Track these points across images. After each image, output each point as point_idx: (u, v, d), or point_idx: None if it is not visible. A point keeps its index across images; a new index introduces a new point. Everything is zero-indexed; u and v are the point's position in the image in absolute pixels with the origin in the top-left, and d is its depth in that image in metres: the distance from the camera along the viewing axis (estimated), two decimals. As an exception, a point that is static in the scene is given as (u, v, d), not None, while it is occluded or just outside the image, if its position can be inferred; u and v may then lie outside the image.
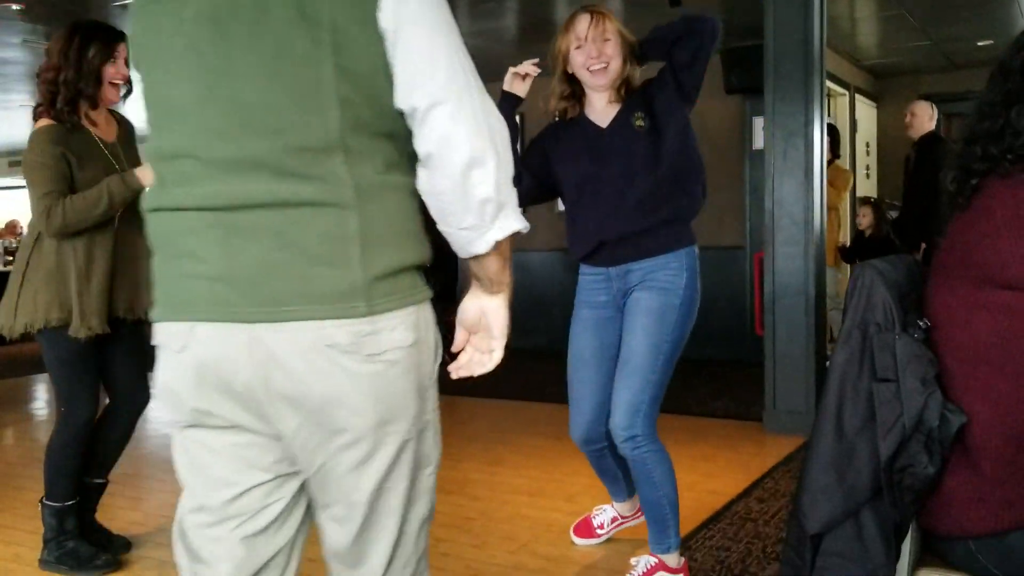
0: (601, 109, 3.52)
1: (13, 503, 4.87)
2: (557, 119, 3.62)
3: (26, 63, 8.96)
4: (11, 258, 11.34)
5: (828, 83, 8.08)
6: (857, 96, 10.60)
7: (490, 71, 2.41)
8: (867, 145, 11.26)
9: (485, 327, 1.90)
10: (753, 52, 7.14)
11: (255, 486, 1.81)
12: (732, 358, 8.89)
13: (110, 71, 3.82)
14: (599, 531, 4.06)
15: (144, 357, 4.02)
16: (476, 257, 1.81)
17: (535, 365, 8.08)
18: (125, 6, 7.32)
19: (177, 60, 1.69)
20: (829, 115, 9.26)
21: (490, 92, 1.81)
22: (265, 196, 1.64)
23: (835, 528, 1.99)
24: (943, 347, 1.94)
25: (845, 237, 8.83)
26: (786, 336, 5.99)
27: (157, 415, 1.59)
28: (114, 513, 4.49)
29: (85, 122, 3.79)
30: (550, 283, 8.51)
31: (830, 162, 7.03)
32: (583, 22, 3.44)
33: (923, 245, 6.37)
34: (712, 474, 5.11)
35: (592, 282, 3.56)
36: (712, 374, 8.34)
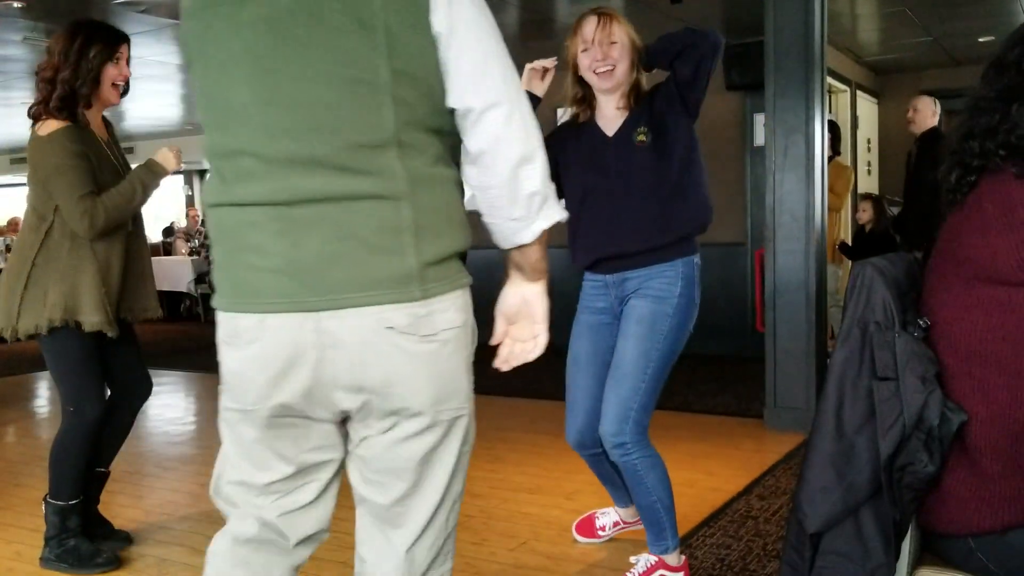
0: (610, 116, 3.49)
1: (14, 501, 4.87)
2: (569, 121, 3.60)
3: (27, 60, 8.96)
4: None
5: (829, 79, 8.07)
6: (858, 92, 10.60)
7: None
8: (868, 141, 11.25)
9: (527, 314, 2.02)
10: (754, 49, 7.14)
11: (298, 472, 1.96)
12: (733, 354, 8.88)
13: (111, 72, 3.82)
14: (600, 532, 4.06)
15: (139, 347, 4.09)
16: (520, 247, 1.95)
17: (536, 362, 8.07)
18: (126, 4, 7.32)
19: (235, 63, 1.79)
20: (830, 111, 9.26)
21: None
22: (324, 191, 1.75)
23: (835, 527, 1.99)
24: (941, 345, 1.94)
25: (846, 234, 8.83)
26: (787, 333, 5.98)
27: (224, 403, 1.66)
28: (115, 511, 4.49)
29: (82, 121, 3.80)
30: (551, 280, 8.48)
31: (830, 158, 7.02)
32: (590, 24, 3.41)
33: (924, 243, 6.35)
34: (712, 471, 5.10)
35: (592, 288, 3.57)
36: (713, 370, 8.34)
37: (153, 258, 14.23)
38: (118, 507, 4.63)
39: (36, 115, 3.78)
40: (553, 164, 3.49)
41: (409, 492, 1.93)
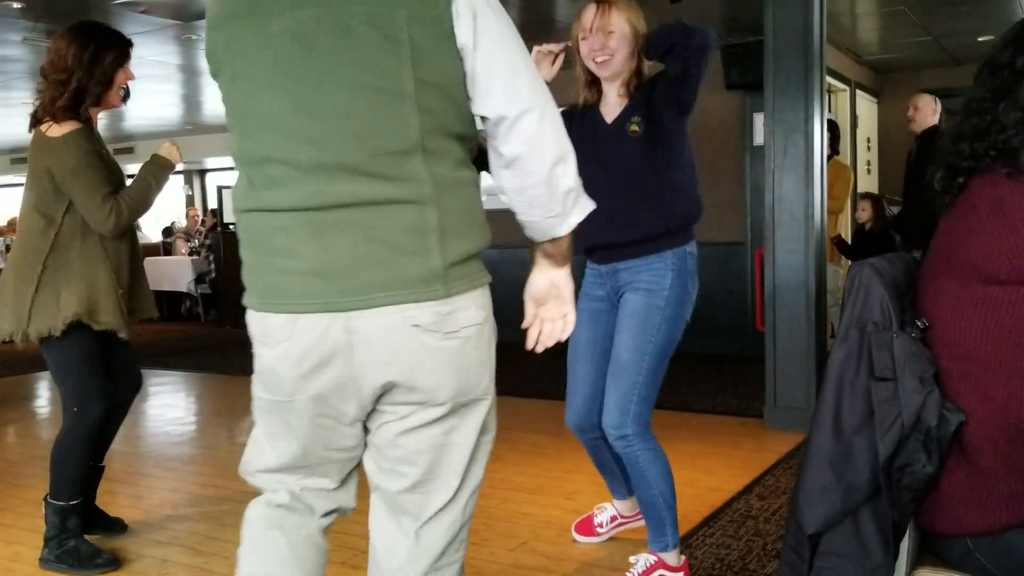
0: (612, 103, 3.51)
1: (14, 501, 4.87)
2: (577, 104, 3.62)
3: (27, 61, 8.96)
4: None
5: (829, 79, 8.07)
6: (858, 92, 10.59)
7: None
8: (868, 141, 11.25)
9: (556, 296, 2.15)
10: (753, 48, 7.15)
11: (319, 463, 2.07)
12: (733, 354, 8.88)
13: (121, 76, 3.87)
14: (599, 529, 4.06)
15: (127, 341, 4.10)
16: (554, 239, 2.09)
17: (535, 361, 8.07)
18: (126, 4, 7.32)
19: (265, 73, 1.88)
20: (830, 111, 9.25)
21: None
22: (352, 196, 1.84)
23: (833, 528, 1.99)
24: (938, 345, 1.94)
25: (846, 234, 8.82)
26: (787, 332, 5.98)
27: (256, 392, 1.75)
28: (115, 511, 4.49)
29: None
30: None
31: (829, 157, 7.02)
32: (589, 12, 3.43)
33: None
34: (712, 471, 5.10)
35: (591, 276, 3.60)
36: (713, 370, 8.34)
37: (153, 258, 14.26)
38: (118, 507, 4.63)
39: (41, 118, 3.79)
40: None
41: (424, 479, 2.01)
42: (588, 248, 3.48)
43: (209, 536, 4.27)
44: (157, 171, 3.95)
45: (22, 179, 4.00)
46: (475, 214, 1.97)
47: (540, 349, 2.22)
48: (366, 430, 2.07)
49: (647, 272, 3.41)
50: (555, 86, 2.36)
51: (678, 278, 3.40)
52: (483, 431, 2.06)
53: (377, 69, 1.83)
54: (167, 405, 7.73)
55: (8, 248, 13.09)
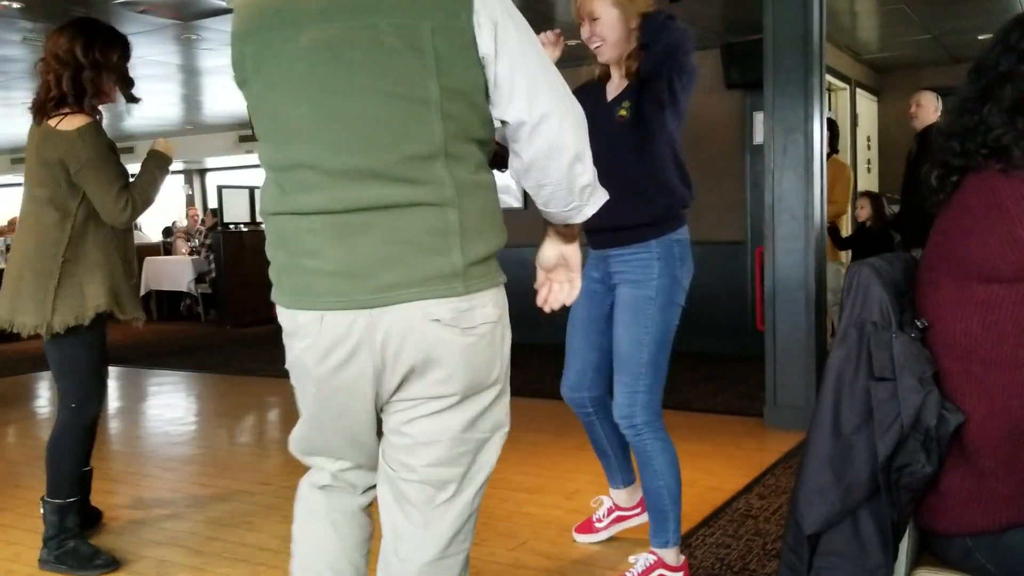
0: (616, 82, 3.53)
1: (13, 502, 4.87)
2: (591, 80, 3.63)
3: (27, 60, 8.96)
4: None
5: (829, 77, 8.07)
6: (858, 90, 10.59)
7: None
8: (868, 139, 11.24)
9: (565, 264, 2.31)
10: (753, 47, 7.15)
11: (352, 449, 2.22)
12: (734, 353, 8.89)
13: (126, 72, 3.96)
14: (598, 525, 4.08)
15: None
16: (568, 224, 2.23)
17: (536, 361, 8.07)
18: (126, 3, 7.32)
19: (296, 82, 1.96)
20: (830, 109, 9.24)
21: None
22: (378, 200, 1.93)
23: (832, 528, 1.99)
24: (938, 345, 1.94)
25: (845, 231, 8.82)
26: (786, 331, 5.98)
27: (293, 381, 1.88)
28: (115, 512, 4.50)
29: None
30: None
31: (828, 156, 7.02)
32: (575, 0, 3.45)
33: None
34: (713, 470, 5.10)
35: (590, 259, 3.62)
36: (714, 369, 8.34)
37: (154, 258, 14.24)
38: (118, 508, 4.64)
39: (48, 109, 3.81)
40: None
41: (431, 468, 2.08)
42: (584, 231, 3.49)
43: (209, 537, 4.27)
44: (161, 163, 4.07)
45: (22, 178, 4.00)
46: (493, 216, 2.06)
47: (547, 309, 2.38)
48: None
49: (634, 263, 3.43)
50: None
51: (665, 266, 3.40)
52: (494, 425, 2.15)
53: (404, 78, 1.91)
54: (167, 405, 7.74)
55: (7, 248, 13.09)
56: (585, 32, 3.42)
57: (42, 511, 3.94)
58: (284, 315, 2.11)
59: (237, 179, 15.86)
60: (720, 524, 4.19)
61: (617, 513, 4.04)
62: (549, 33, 3.48)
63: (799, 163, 5.88)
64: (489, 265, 2.05)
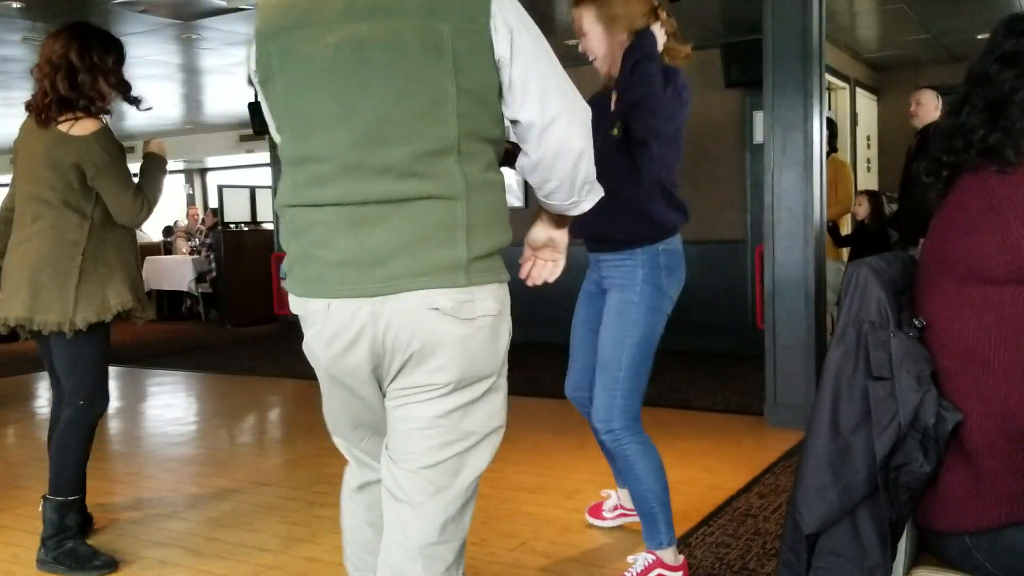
0: (616, 95, 3.51)
1: (13, 503, 4.87)
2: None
3: (27, 60, 8.96)
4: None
5: (828, 76, 8.05)
6: (857, 89, 10.58)
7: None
8: (868, 138, 11.24)
9: (552, 245, 2.40)
10: (753, 46, 7.14)
11: (365, 431, 2.34)
12: (734, 351, 8.88)
13: (123, 75, 4.02)
14: (605, 515, 4.15)
15: None
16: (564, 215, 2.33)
17: (536, 360, 8.07)
18: (126, 3, 7.32)
19: (318, 79, 2.05)
20: (829, 109, 9.23)
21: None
22: (390, 193, 2.01)
23: (831, 527, 1.99)
24: (935, 344, 1.94)
25: (845, 228, 8.82)
26: (786, 330, 5.98)
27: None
28: (115, 512, 4.50)
29: None
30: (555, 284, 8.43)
31: (828, 154, 7.02)
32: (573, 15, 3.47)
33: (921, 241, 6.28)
34: (713, 469, 5.10)
35: (589, 260, 3.65)
36: (714, 368, 8.33)
37: (154, 257, 14.24)
38: (117, 508, 4.64)
39: (52, 113, 3.85)
40: None
41: (422, 455, 2.13)
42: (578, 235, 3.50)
43: (208, 537, 4.27)
44: (160, 166, 4.13)
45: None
46: (499, 214, 2.13)
47: (530, 283, 2.45)
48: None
49: (621, 269, 3.45)
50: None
51: (649, 273, 3.39)
52: (487, 420, 2.19)
53: (423, 77, 2.00)
54: (167, 405, 7.74)
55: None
56: (581, 46, 3.45)
57: (41, 510, 3.94)
58: (296, 303, 2.19)
59: (238, 179, 15.88)
60: (720, 523, 4.19)
61: (622, 510, 4.06)
62: None
63: (798, 162, 5.88)
64: (493, 261, 2.11)
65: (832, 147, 7.76)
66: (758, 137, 8.50)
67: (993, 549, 1.95)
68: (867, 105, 11.15)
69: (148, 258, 14.13)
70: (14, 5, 7.25)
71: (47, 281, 3.82)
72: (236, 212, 13.31)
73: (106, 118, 3.98)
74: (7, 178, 4.16)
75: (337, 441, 2.46)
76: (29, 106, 3.93)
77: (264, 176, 13.96)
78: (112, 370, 7.77)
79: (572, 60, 3.58)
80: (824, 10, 5.97)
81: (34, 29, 8.05)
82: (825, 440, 1.98)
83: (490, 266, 2.09)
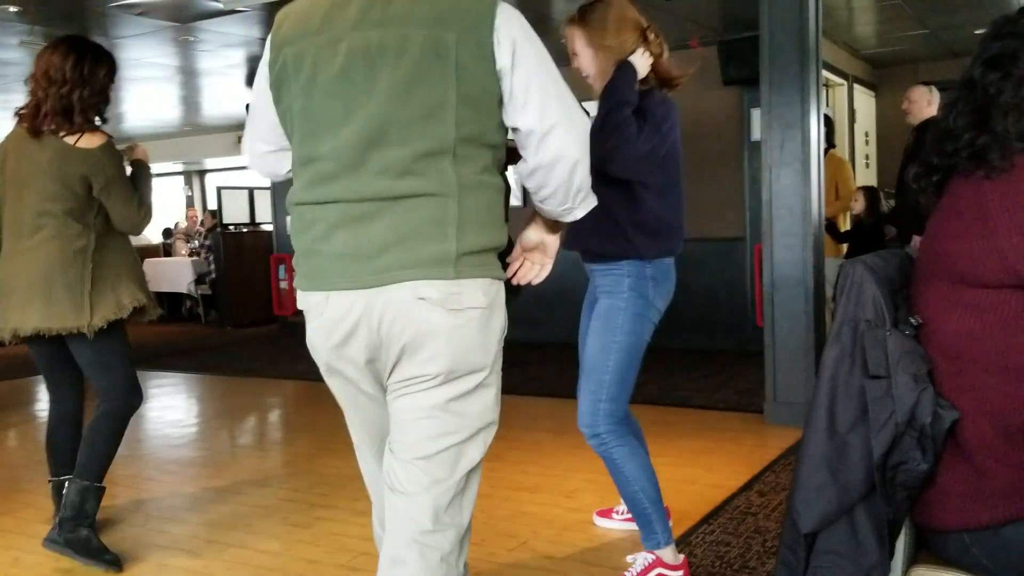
0: None
1: (14, 506, 4.87)
2: None
3: (24, 64, 8.94)
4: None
5: (826, 73, 8.06)
6: (856, 86, 10.58)
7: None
8: (866, 135, 11.23)
9: (542, 249, 2.48)
10: (750, 43, 7.13)
11: (377, 401, 2.37)
12: (735, 349, 8.89)
13: (108, 94, 4.10)
14: (615, 515, 4.18)
15: None
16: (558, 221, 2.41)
17: (536, 359, 8.06)
18: (123, 6, 7.32)
19: (329, 83, 2.17)
20: (827, 105, 9.23)
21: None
22: (387, 191, 2.12)
23: (829, 526, 1.99)
24: (931, 343, 1.94)
25: (845, 225, 8.83)
26: (785, 327, 5.98)
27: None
28: (115, 515, 4.50)
29: None
30: (552, 278, 8.43)
31: (826, 151, 7.01)
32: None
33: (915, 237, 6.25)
34: (713, 468, 5.10)
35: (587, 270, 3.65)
36: (714, 366, 8.33)
37: (153, 259, 14.22)
38: (118, 511, 4.64)
39: (58, 125, 3.91)
40: None
41: (416, 445, 2.21)
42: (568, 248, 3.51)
43: (209, 540, 4.27)
44: (149, 172, 4.24)
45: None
46: (493, 214, 2.22)
47: (515, 282, 2.51)
48: None
49: (609, 277, 3.47)
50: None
51: (635, 283, 3.40)
52: (479, 415, 2.25)
53: (427, 83, 2.10)
54: (167, 407, 7.73)
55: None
56: (573, 63, 3.48)
57: (65, 490, 3.98)
58: (300, 297, 2.30)
59: (236, 180, 15.86)
60: (720, 521, 4.19)
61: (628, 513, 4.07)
62: None
63: (796, 159, 5.88)
64: (484, 257, 2.19)
65: (830, 143, 7.76)
66: (756, 135, 8.50)
67: (991, 546, 1.95)
68: (865, 101, 11.15)
69: (147, 260, 14.10)
70: (11, 9, 7.25)
71: (60, 290, 3.88)
72: (235, 213, 13.31)
73: (106, 128, 4.06)
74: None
75: (363, 470, 2.55)
76: (20, 116, 3.99)
77: (263, 177, 13.93)
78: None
79: (570, 60, 3.60)
80: (821, 7, 5.97)
81: (32, 32, 8.05)
82: (822, 439, 1.98)
83: (481, 261, 2.18)
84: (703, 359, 8.57)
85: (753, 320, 8.24)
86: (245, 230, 13.36)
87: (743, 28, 8.13)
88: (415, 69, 2.11)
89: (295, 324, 11.62)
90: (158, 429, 6.80)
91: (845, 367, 1.96)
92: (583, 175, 2.25)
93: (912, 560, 2.13)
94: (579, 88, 3.61)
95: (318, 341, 2.27)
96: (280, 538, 4.24)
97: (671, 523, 3.61)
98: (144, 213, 4.06)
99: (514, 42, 2.15)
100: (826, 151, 6.82)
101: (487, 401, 2.26)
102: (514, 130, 2.23)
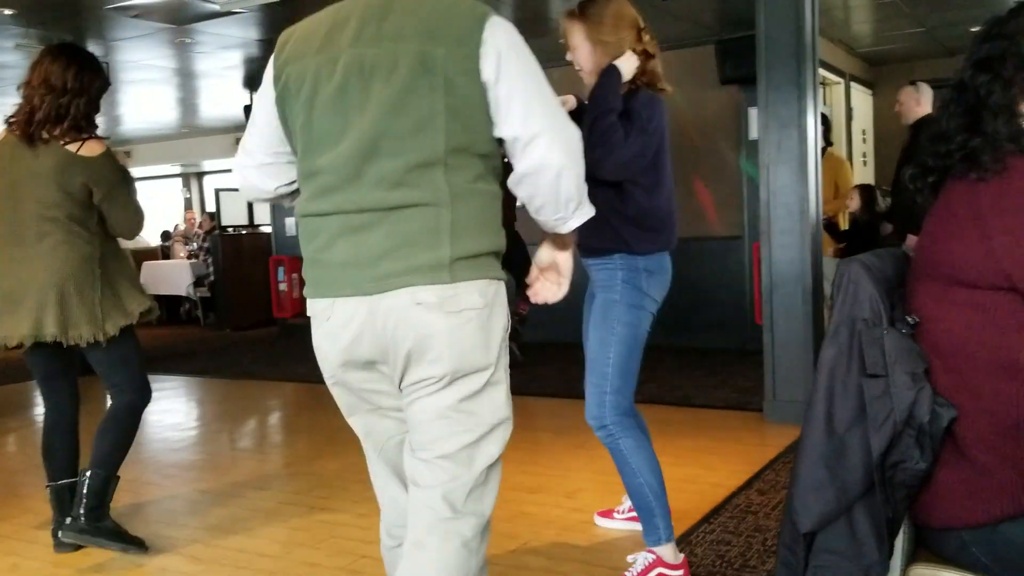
0: None
1: (12, 511, 4.87)
2: None
3: (20, 67, 8.93)
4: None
5: (823, 72, 8.05)
6: (853, 84, 10.59)
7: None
8: (863, 133, 11.24)
9: (556, 268, 2.54)
10: (747, 42, 7.13)
11: (381, 411, 2.44)
12: (735, 347, 8.88)
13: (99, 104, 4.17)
14: (616, 515, 4.19)
15: None
16: (559, 234, 2.45)
17: (536, 359, 8.06)
18: (119, 8, 7.31)
19: (328, 100, 2.26)
20: (824, 104, 9.22)
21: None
22: (383, 202, 2.20)
23: (828, 526, 1.99)
24: (927, 342, 1.94)
25: (844, 223, 8.84)
26: (785, 325, 5.98)
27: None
28: (115, 518, 4.49)
29: None
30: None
31: (824, 149, 7.01)
32: (561, 24, 3.51)
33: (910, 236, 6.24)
34: (713, 466, 5.10)
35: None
36: (714, 364, 8.33)
37: (152, 262, 14.20)
38: (118, 515, 4.63)
39: (62, 133, 3.96)
40: None
41: (434, 444, 2.28)
42: None
43: (209, 544, 4.26)
44: (131, 178, 4.26)
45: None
46: (486, 220, 2.29)
47: (533, 300, 2.58)
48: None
49: (603, 272, 3.50)
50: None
51: (629, 275, 3.44)
52: (493, 412, 2.32)
53: (416, 96, 2.18)
54: (166, 410, 7.72)
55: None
56: (568, 56, 3.50)
57: (87, 480, 4.03)
58: (308, 304, 2.38)
59: (235, 182, 15.83)
60: (720, 520, 4.19)
61: (633, 513, 4.06)
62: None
63: (793, 158, 5.88)
64: (480, 260, 2.26)
65: (827, 141, 7.76)
66: (753, 133, 8.50)
67: (989, 544, 1.95)
68: (862, 100, 11.16)
69: (146, 263, 14.14)
70: (6, 12, 7.25)
71: (73, 296, 3.94)
72: (233, 215, 13.30)
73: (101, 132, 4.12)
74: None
75: (373, 482, 2.59)
76: (11, 124, 4.03)
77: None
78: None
79: (567, 60, 3.60)
80: (817, 5, 5.97)
81: (27, 36, 8.04)
82: (820, 439, 1.98)
83: (476, 265, 2.25)
84: (703, 358, 8.57)
85: (752, 318, 8.24)
86: (244, 232, 13.35)
87: (740, 27, 8.13)
88: (406, 83, 2.19)
89: (295, 326, 11.63)
90: (158, 433, 6.79)
91: (842, 366, 1.96)
92: (570, 184, 2.29)
93: (911, 558, 2.13)
94: (579, 88, 3.66)
95: (326, 345, 2.35)
96: (280, 541, 4.24)
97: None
98: (141, 221, 4.18)
99: (499, 53, 2.21)
100: (823, 150, 6.82)
101: (498, 399, 2.33)
102: (502, 141, 2.29)
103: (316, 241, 2.32)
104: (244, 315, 12.83)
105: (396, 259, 2.20)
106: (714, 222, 9.22)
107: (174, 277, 14.03)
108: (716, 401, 6.90)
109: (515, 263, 8.52)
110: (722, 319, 9.04)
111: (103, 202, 4.02)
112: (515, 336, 8.32)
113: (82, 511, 4.00)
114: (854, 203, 7.95)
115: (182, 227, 16.77)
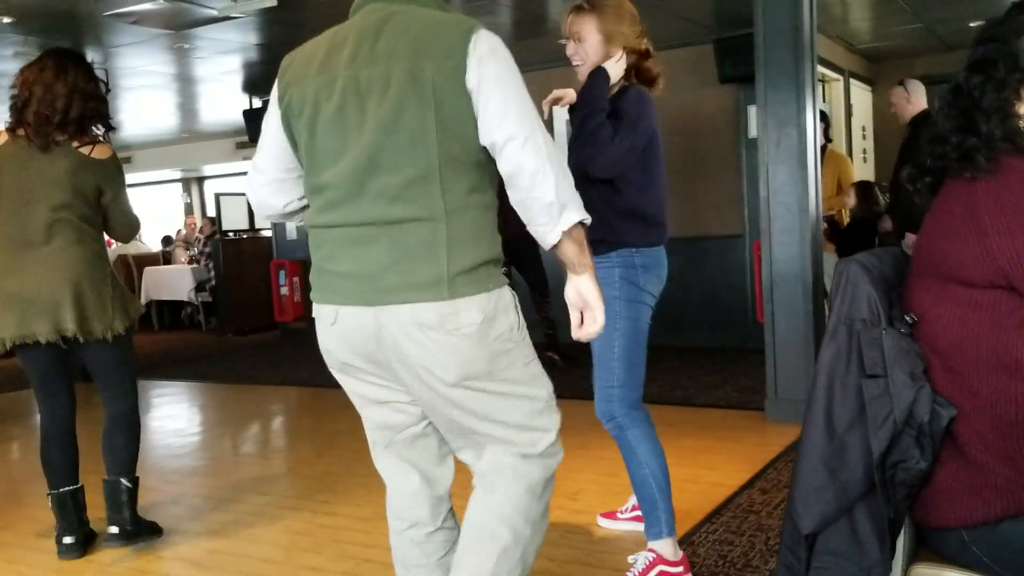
0: None
1: (16, 519, 4.87)
2: None
3: (19, 75, 8.94)
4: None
5: (822, 69, 8.04)
6: (852, 80, 10.57)
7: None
8: (863, 129, 11.22)
9: (583, 301, 2.48)
10: (746, 41, 7.12)
11: (390, 412, 2.60)
12: (736, 346, 8.88)
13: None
14: (619, 515, 4.20)
15: None
16: (555, 248, 2.39)
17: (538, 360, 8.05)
18: (118, 15, 7.31)
19: (329, 119, 2.39)
20: (823, 101, 9.21)
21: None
22: (382, 216, 2.33)
23: (829, 526, 1.99)
24: (925, 341, 1.94)
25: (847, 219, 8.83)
26: (785, 324, 5.97)
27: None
28: (117, 526, 4.49)
29: None
30: (552, 278, 8.46)
31: (824, 147, 6.99)
32: (567, 17, 3.52)
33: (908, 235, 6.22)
34: (715, 466, 5.10)
35: None
36: (716, 363, 8.33)
37: (153, 267, 14.18)
38: (120, 521, 4.63)
39: (69, 134, 4.04)
40: None
41: (458, 438, 2.56)
42: None
43: (212, 550, 4.26)
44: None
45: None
46: (482, 231, 2.39)
47: (576, 337, 2.59)
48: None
49: (600, 270, 3.47)
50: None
51: (626, 271, 3.47)
52: (496, 410, 2.49)
53: (409, 112, 2.29)
54: (168, 416, 7.73)
55: None
56: (570, 49, 3.52)
57: (124, 490, 4.18)
58: (315, 308, 2.53)
59: (235, 186, 15.85)
60: (723, 520, 4.19)
61: (636, 512, 4.06)
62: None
63: (793, 156, 5.87)
64: (478, 273, 2.36)
65: (827, 138, 7.75)
66: (753, 132, 8.50)
67: (989, 543, 1.95)
68: (862, 96, 11.14)
69: (147, 268, 14.14)
70: (5, 20, 7.25)
71: (89, 293, 4.05)
72: (234, 220, 13.28)
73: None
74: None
75: (377, 465, 2.73)
76: (16, 129, 4.05)
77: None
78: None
79: (566, 60, 3.61)
80: (815, 3, 5.96)
81: (26, 44, 8.03)
82: (821, 440, 1.98)
83: (474, 278, 2.34)
84: (704, 357, 8.56)
85: (753, 317, 8.24)
86: (245, 236, 13.34)
87: (738, 26, 8.12)
88: (398, 100, 2.29)
89: (296, 330, 11.63)
90: (160, 439, 6.79)
91: (842, 367, 1.97)
92: (548, 187, 2.30)
93: (912, 558, 2.13)
94: (579, 88, 3.66)
95: (332, 344, 2.50)
96: (283, 546, 4.24)
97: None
98: (138, 222, 4.37)
99: (480, 62, 2.29)
100: (823, 147, 6.81)
101: (519, 376, 2.51)
102: (486, 148, 2.36)
103: (321, 251, 2.47)
104: (245, 319, 12.83)
105: (397, 273, 2.31)
106: (715, 221, 9.22)
107: (175, 282, 14.02)
108: (717, 400, 6.90)
109: (529, 269, 8.48)
110: (723, 317, 9.04)
111: (111, 203, 4.16)
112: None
113: (128, 519, 4.18)
114: (851, 200, 7.94)
115: (183, 232, 16.76)
